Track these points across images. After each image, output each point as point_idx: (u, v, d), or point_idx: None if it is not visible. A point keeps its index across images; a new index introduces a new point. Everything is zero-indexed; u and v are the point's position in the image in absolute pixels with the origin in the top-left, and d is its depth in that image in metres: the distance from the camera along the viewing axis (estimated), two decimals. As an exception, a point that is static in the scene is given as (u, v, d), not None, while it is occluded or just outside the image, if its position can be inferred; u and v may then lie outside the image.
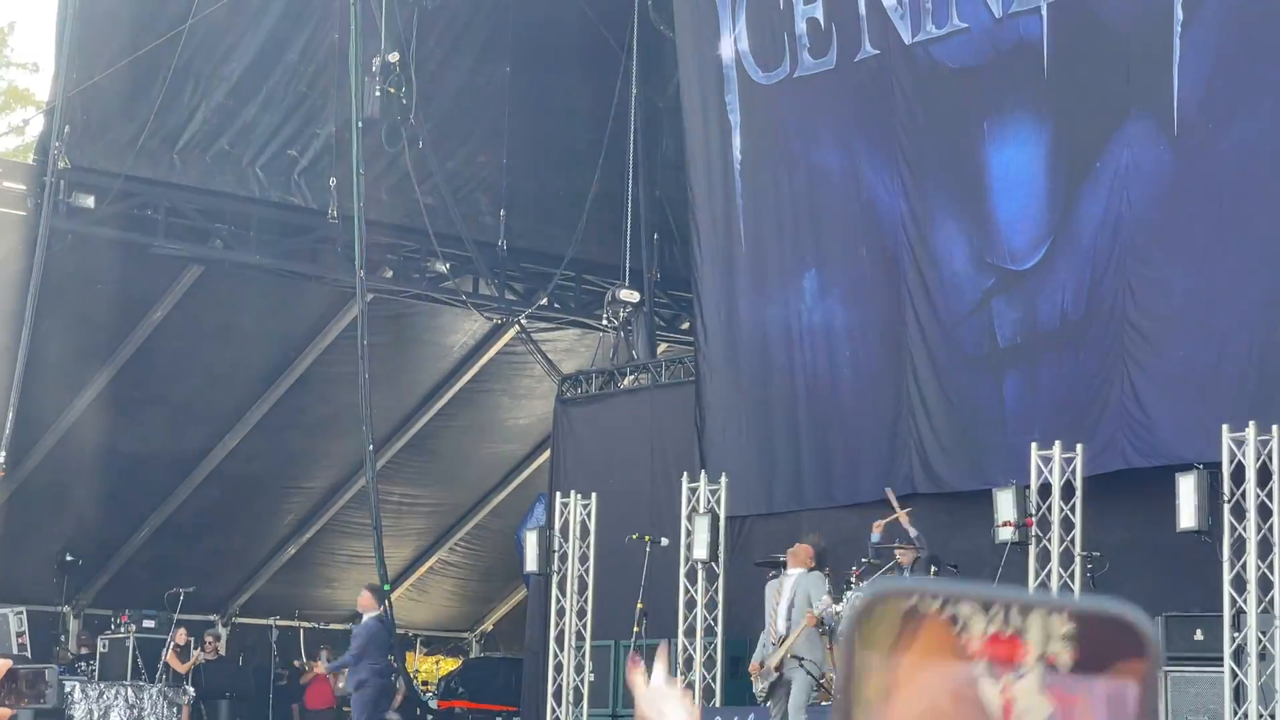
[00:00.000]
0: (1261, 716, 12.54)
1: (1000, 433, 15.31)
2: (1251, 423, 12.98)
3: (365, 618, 18.09)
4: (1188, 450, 13.67)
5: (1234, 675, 12.79)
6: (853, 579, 14.65)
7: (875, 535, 15.11)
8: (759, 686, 14.24)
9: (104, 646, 21.37)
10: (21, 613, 21.39)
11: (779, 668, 14.16)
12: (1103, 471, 14.77)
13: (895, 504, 15.23)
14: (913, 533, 14.90)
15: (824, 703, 13.85)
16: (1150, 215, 14.96)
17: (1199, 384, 14.34)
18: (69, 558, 23.28)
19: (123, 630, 21.27)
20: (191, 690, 20.67)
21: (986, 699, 0.98)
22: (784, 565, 15.03)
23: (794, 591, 14.26)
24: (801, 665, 14.02)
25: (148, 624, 21.25)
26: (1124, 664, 0.98)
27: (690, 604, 16.59)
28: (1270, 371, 14.08)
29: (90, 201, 20.21)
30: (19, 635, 21.19)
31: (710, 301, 18.54)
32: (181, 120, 20.56)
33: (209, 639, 22.49)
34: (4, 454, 19.39)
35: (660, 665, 3.07)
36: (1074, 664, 0.97)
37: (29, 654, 20.44)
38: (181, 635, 21.38)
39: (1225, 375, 14.26)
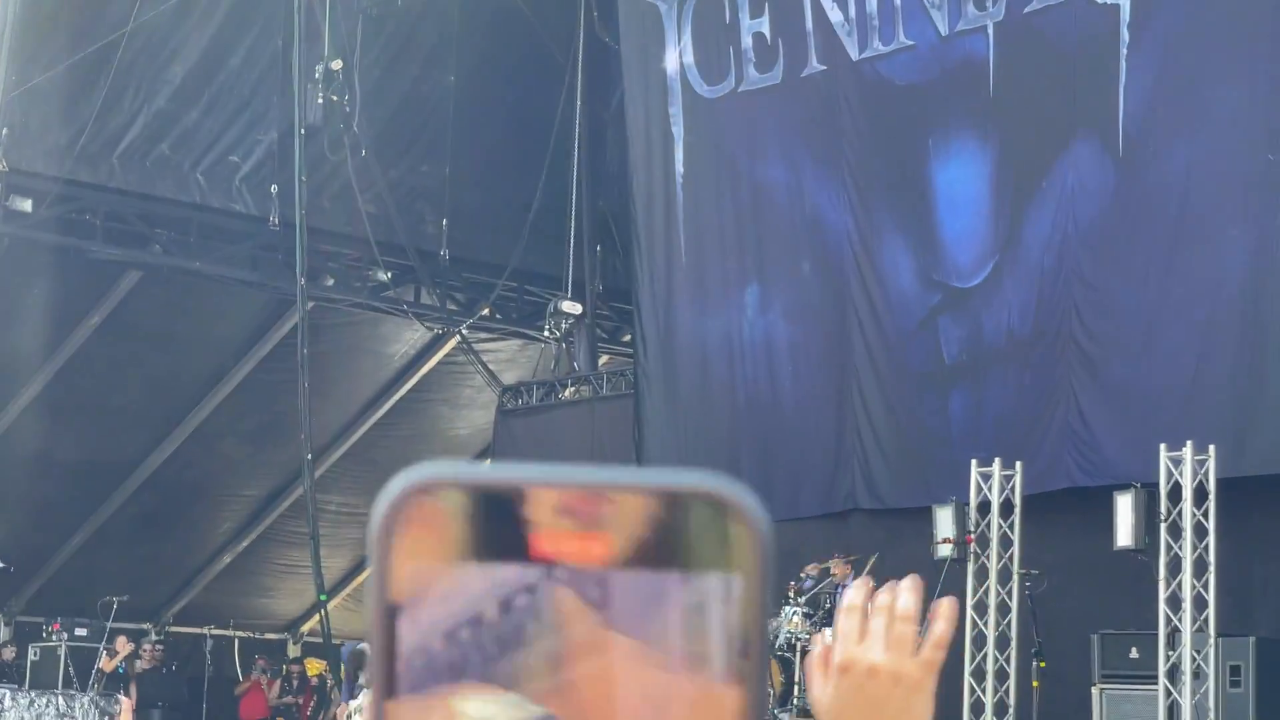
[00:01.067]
0: (1195, 735, 12.57)
1: (946, 450, 15.33)
2: (1189, 442, 13.02)
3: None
4: (1132, 469, 13.69)
5: (1168, 694, 12.81)
6: (790, 594, 14.62)
7: (807, 581, 14.96)
8: None
9: (35, 655, 21.15)
10: (-47, 618, 21.21)
11: None
12: (1048, 490, 14.80)
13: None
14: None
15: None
16: (1095, 235, 15.02)
17: (1142, 403, 14.39)
18: (0, 564, 23.04)
19: (54, 638, 21.05)
20: (124, 699, 20.45)
21: (545, 606, 0.81)
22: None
23: None
24: None
25: (80, 632, 21.04)
26: (725, 550, 0.81)
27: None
28: (1208, 392, 14.14)
29: (28, 205, 20.02)
30: (-50, 640, 20.99)
31: (649, 315, 18.52)
32: (122, 124, 20.39)
33: (146, 646, 22.29)
34: (-63, 458, 19.17)
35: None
36: (662, 556, 0.81)
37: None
38: (122, 643, 21.14)
39: (1166, 395, 14.32)
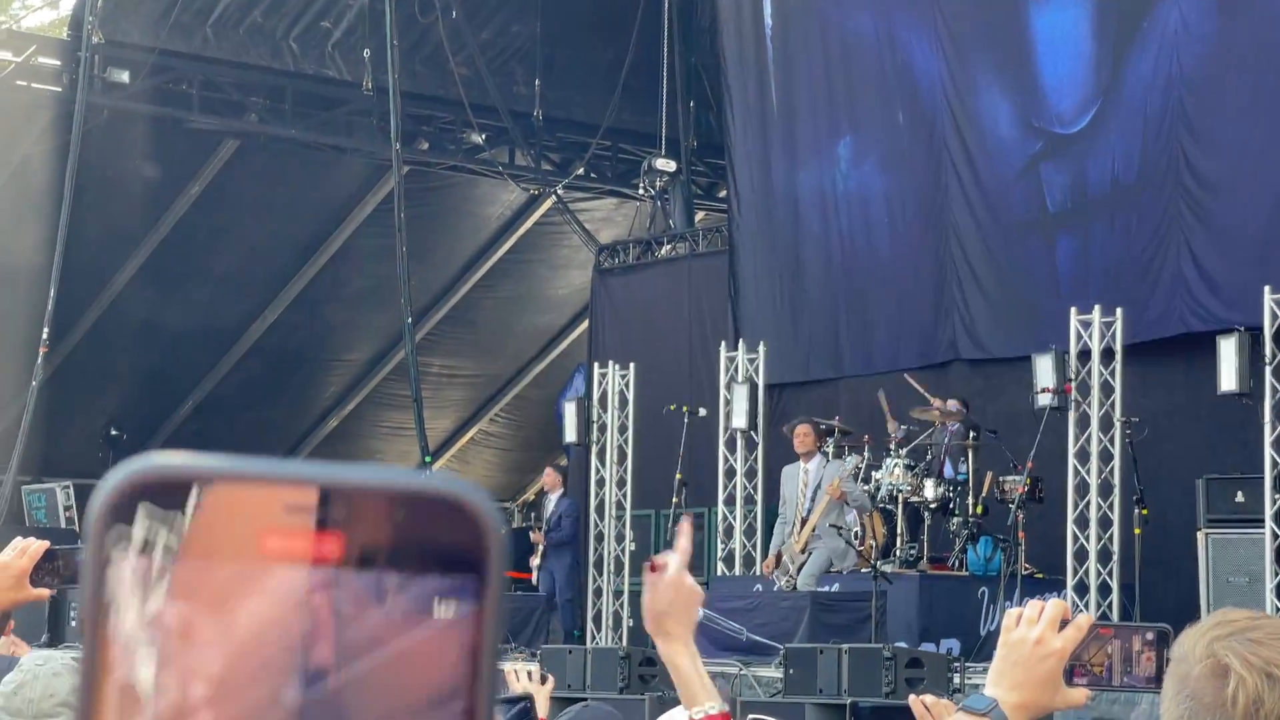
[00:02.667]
0: (1302, 578, 12.55)
1: (1053, 297, 15.20)
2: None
3: (557, 497, 18.07)
4: (1243, 314, 13.53)
5: (1275, 536, 12.78)
6: (891, 445, 14.65)
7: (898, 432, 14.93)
8: (783, 581, 14.24)
9: (150, 520, 21.57)
10: (69, 487, 21.62)
11: (804, 549, 14.19)
12: (1161, 337, 14.71)
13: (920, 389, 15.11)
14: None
15: (863, 569, 13.89)
16: (1199, 78, 14.78)
17: (1251, 247, 14.24)
18: (114, 432, 23.45)
19: (168, 504, 21.45)
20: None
21: (274, 609, 0.77)
22: (825, 434, 15.02)
23: (819, 478, 14.25)
24: (824, 542, 14.08)
25: (193, 497, 21.40)
26: (460, 555, 0.79)
27: (730, 473, 16.64)
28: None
29: (125, 77, 20.16)
30: (66, 509, 21.43)
31: (743, 169, 18.45)
32: (214, -7, 20.45)
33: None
34: (47, 330, 19.48)
35: (682, 543, 3.07)
36: (396, 559, 0.78)
37: (77, 527, 20.68)
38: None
39: (1274, 237, 14.16)
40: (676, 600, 3.00)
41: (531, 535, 18.38)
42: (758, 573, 15.95)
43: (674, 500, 15.93)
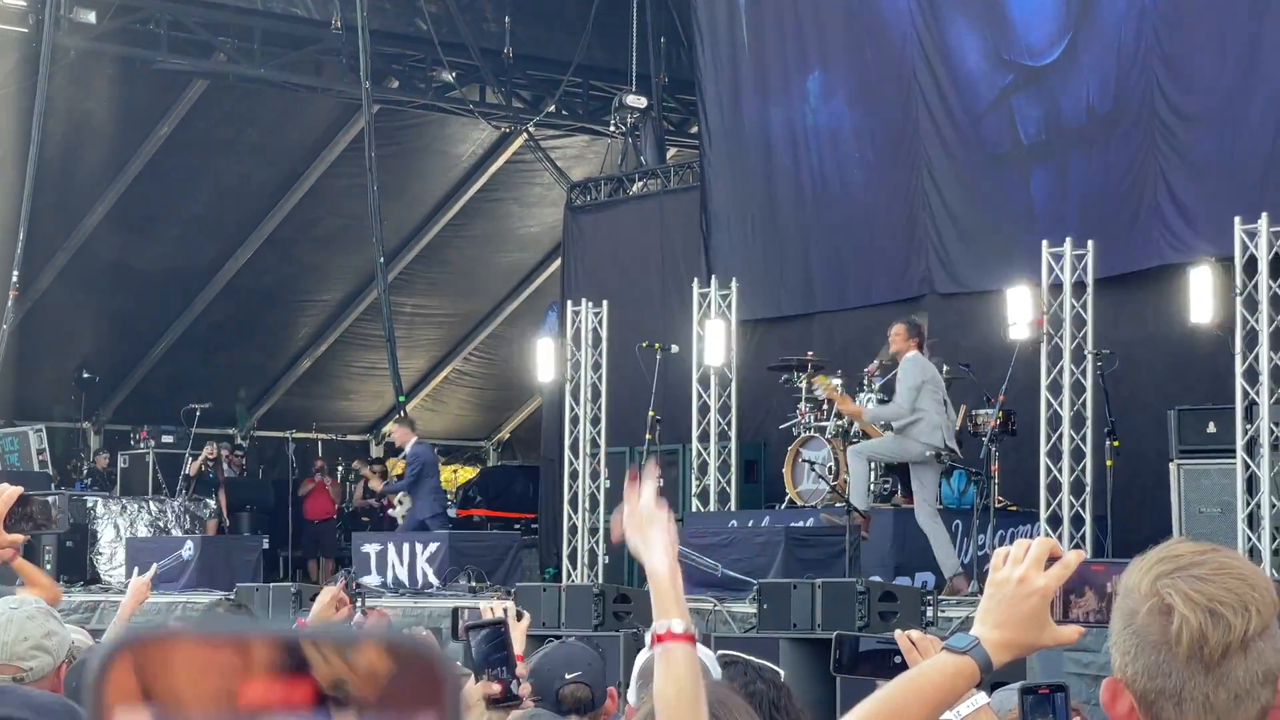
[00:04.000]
0: (1275, 506, 12.61)
1: (1030, 230, 15.19)
2: (1264, 214, 12.90)
3: (411, 446, 17.67)
4: (1220, 245, 13.54)
5: (1246, 467, 12.84)
6: (866, 380, 14.67)
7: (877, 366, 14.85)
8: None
9: (124, 462, 21.56)
10: (41, 430, 21.57)
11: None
12: (1138, 268, 14.73)
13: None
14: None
15: (836, 504, 13.91)
16: (1172, 9, 14.77)
17: (1227, 178, 14.26)
18: (86, 375, 23.42)
19: (142, 446, 21.44)
20: (212, 503, 20.85)
21: None
22: (797, 369, 15.04)
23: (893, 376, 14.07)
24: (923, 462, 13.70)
25: (166, 439, 21.41)
26: (419, 698, 0.89)
27: (703, 409, 16.65)
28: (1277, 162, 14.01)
29: (91, 17, 20.01)
30: (39, 453, 21.38)
31: (714, 106, 18.41)
32: (181, -69, 20.29)
33: (225, 452, 22.61)
34: (16, 273, 19.40)
35: (650, 484, 3.09)
36: (364, 704, 0.88)
37: (50, 470, 20.65)
38: (211, 449, 21.42)
39: (1248, 168, 14.18)
40: (653, 521, 3.04)
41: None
42: (733, 507, 16.00)
43: (648, 437, 15.95)
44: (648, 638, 3.10)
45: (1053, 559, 2.46)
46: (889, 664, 3.49)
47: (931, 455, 13.31)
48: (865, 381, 14.65)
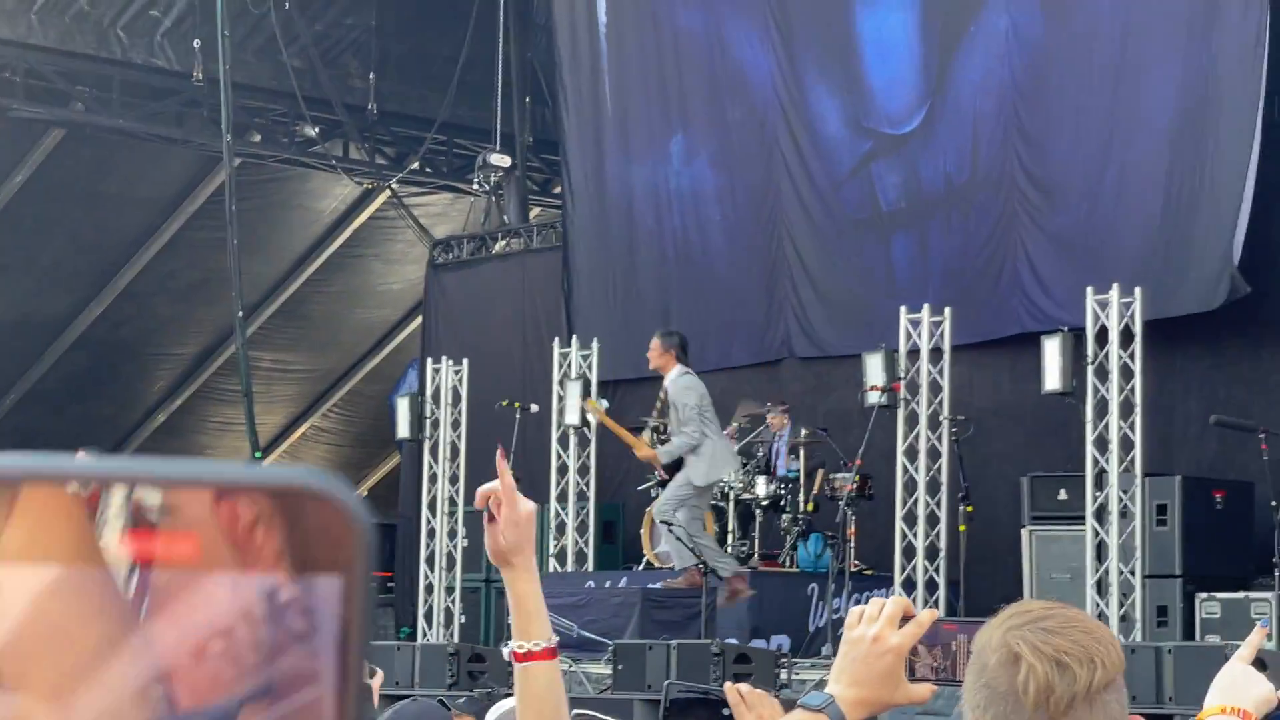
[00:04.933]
0: (1121, 573, 12.81)
1: (889, 297, 15.35)
2: (1115, 284, 13.14)
3: None
4: (1075, 314, 13.76)
5: (1095, 534, 13.03)
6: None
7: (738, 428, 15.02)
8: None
9: (-29, 516, 21.17)
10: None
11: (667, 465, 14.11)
12: (998, 336, 14.93)
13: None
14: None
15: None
16: (1029, 80, 15.03)
17: (1083, 248, 14.51)
18: (-66, 426, 22.98)
19: (-10, 499, 21.05)
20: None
21: (115, 610, 0.73)
22: (654, 430, 15.07)
23: (666, 393, 14.11)
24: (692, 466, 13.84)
25: (15, 493, 21.02)
26: (323, 549, 0.74)
27: (562, 469, 16.63)
28: (1138, 235, 14.28)
29: (-53, 63, 19.73)
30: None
31: (578, 166, 18.48)
32: (39, -21, 20.06)
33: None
34: None
35: (506, 480, 3.05)
36: (256, 556, 0.73)
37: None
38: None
39: (1103, 239, 14.44)
40: (519, 533, 3.00)
41: None
42: (590, 568, 15.97)
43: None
44: (505, 653, 3.06)
45: (906, 618, 2.48)
46: (718, 717, 3.50)
47: (712, 485, 13.59)
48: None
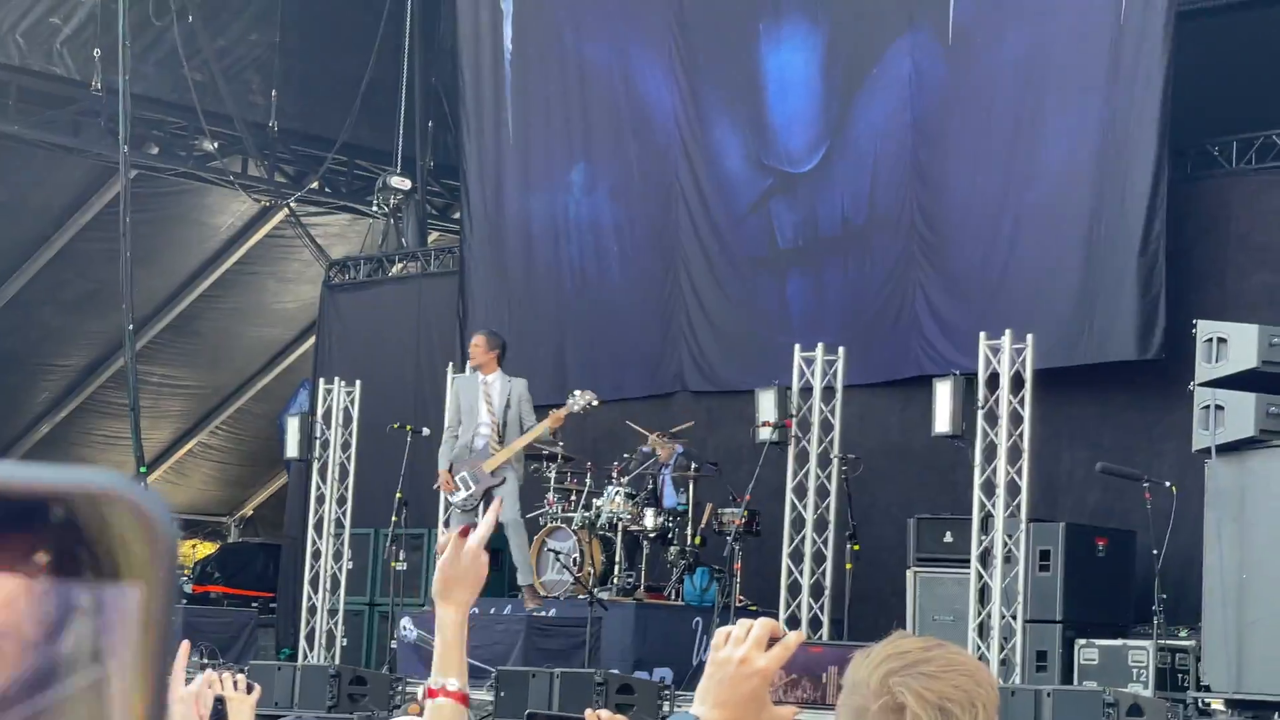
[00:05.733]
0: (1004, 617, 12.91)
1: (786, 334, 15.41)
2: (1008, 331, 13.27)
3: None
4: (972, 358, 13.86)
5: (980, 577, 13.13)
6: (614, 474, 14.74)
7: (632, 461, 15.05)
8: (462, 495, 14.11)
9: None
10: None
11: (495, 472, 14.07)
12: (896, 378, 15.02)
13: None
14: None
15: (579, 595, 13.91)
16: (930, 124, 15.17)
17: (980, 293, 14.64)
18: None
19: None
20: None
21: None
22: (546, 459, 15.04)
23: (507, 395, 14.11)
24: (514, 469, 13.99)
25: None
26: (124, 555, 0.70)
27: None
28: (1030, 283, 14.43)
29: None
30: None
31: (477, 192, 18.45)
32: (-61, -18, 19.81)
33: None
34: None
35: (490, 519, 3.09)
36: (53, 563, 0.70)
37: None
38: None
39: (998, 284, 14.58)
40: (470, 570, 3.01)
41: None
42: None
43: (394, 519, 15.81)
44: (420, 691, 3.07)
45: (773, 640, 2.48)
46: None
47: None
48: (614, 475, 14.72)
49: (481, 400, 14.20)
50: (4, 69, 20.35)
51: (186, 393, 25.31)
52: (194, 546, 26.94)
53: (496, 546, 16.80)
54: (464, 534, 3.08)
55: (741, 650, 2.44)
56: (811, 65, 16.01)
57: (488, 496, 13.97)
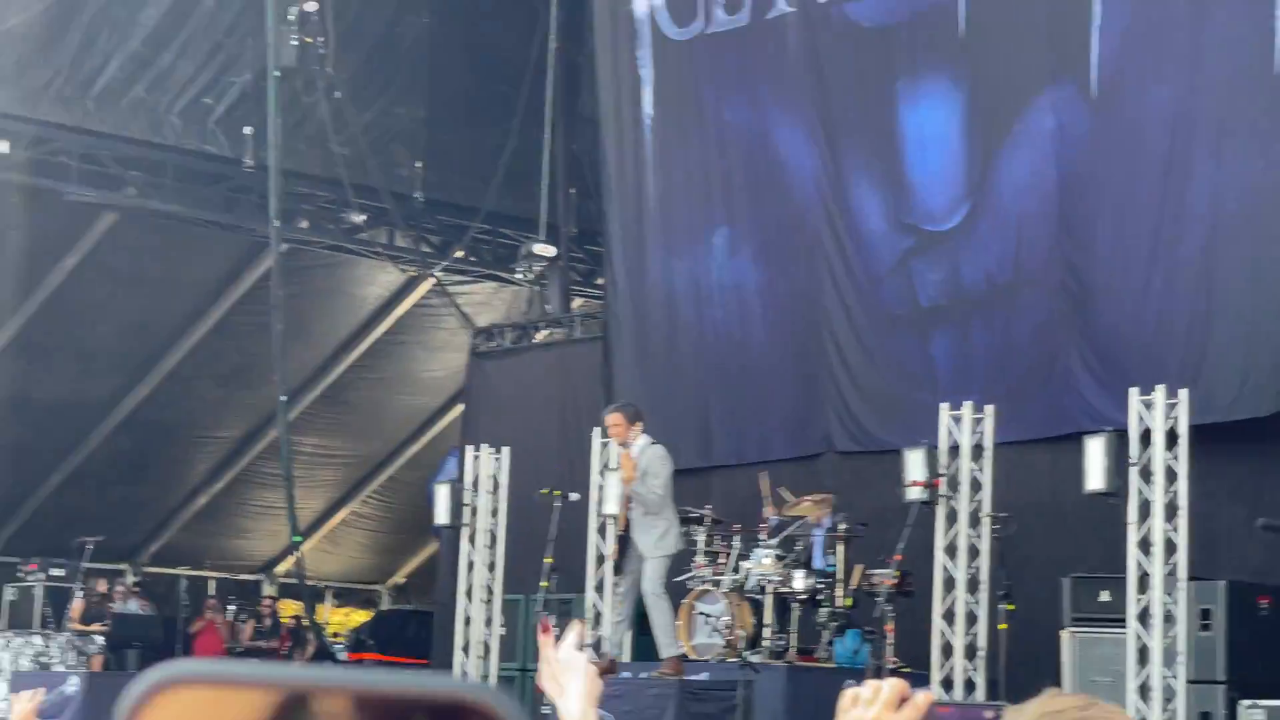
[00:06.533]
0: (1165, 678, 12.70)
1: (931, 393, 15.31)
2: (1160, 386, 13.10)
3: None
4: (1125, 413, 13.70)
5: (1138, 637, 12.93)
6: (762, 535, 14.70)
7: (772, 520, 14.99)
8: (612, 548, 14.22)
9: (12, 595, 21.19)
10: (-70, 560, 21.21)
11: (625, 527, 14.01)
12: (1054, 435, 14.84)
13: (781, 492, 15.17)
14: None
15: (730, 658, 13.87)
16: (1076, 180, 15.04)
17: (1133, 348, 14.47)
18: (-23, 505, 23.08)
19: (30, 579, 21.09)
20: (100, 639, 20.52)
21: None
22: (694, 523, 15.04)
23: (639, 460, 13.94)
24: (652, 538, 13.81)
25: (56, 572, 21.07)
26: None
27: (600, 559, 16.60)
28: (1183, 336, 14.24)
29: (4, 147, 19.99)
30: (-74, 582, 21.00)
31: (619, 258, 18.55)
32: (97, 66, 20.33)
33: (120, 588, 22.32)
34: (-89, 400, 19.16)
35: (573, 638, 3.11)
36: None
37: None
38: (103, 584, 21.18)
39: (1151, 339, 14.40)
40: (570, 666, 3.04)
41: None
42: (627, 659, 15.91)
43: (543, 585, 15.86)
44: None
45: (903, 701, 2.44)
46: None
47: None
48: (762, 537, 14.68)
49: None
50: (160, 148, 20.83)
51: (338, 462, 25.63)
52: (347, 615, 27.22)
53: (644, 612, 16.82)
54: (545, 628, 3.13)
55: (872, 711, 2.42)
56: (951, 122, 15.96)
57: (624, 551, 13.99)
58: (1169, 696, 12.68)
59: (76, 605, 20.42)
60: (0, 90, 19.76)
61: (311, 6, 20.13)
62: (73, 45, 19.92)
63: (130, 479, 24.09)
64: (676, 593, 15.36)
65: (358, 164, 21.32)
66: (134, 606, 21.77)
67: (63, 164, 20.55)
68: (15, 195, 20.56)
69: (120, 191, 21.00)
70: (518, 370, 20.48)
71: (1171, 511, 12.97)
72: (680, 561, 15.26)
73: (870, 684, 2.45)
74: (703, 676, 14.03)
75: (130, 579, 24.37)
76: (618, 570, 14.05)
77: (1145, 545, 13.00)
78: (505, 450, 17.37)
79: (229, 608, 23.93)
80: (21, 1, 19.58)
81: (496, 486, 17.29)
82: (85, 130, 20.39)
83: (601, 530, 16.63)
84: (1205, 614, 12.70)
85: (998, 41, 15.60)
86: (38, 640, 19.94)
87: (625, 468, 13.86)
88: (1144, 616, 12.91)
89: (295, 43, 20.00)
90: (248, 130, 20.69)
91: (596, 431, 17.01)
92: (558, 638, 3.11)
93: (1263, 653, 12.65)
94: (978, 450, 14.22)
